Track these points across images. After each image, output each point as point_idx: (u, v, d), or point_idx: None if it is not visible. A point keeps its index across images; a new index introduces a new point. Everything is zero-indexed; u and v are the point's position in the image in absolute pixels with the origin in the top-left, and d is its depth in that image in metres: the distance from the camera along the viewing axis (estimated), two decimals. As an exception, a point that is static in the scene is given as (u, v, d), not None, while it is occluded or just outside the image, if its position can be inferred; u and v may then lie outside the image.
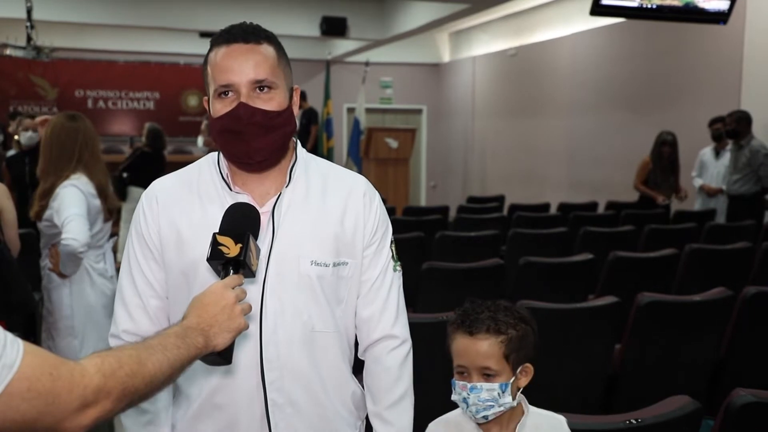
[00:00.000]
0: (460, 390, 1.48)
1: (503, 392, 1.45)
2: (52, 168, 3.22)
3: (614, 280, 3.86)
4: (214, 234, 1.29)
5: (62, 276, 3.26)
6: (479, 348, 1.47)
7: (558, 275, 3.84)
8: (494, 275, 3.68)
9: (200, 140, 9.13)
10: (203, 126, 7.28)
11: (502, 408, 1.46)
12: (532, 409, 1.54)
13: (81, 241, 3.04)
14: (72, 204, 3.10)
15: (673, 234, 5.21)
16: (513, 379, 1.47)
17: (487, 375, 1.46)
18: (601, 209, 7.28)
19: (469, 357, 1.48)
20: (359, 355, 1.58)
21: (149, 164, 7.17)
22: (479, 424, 1.51)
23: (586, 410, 2.55)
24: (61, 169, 3.20)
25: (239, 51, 1.40)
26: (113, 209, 3.37)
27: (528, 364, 1.51)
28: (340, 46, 11.71)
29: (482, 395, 1.45)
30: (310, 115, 10.25)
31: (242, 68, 1.39)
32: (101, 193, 3.25)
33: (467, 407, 1.47)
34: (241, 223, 1.33)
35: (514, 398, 1.47)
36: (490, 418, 1.48)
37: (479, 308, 1.52)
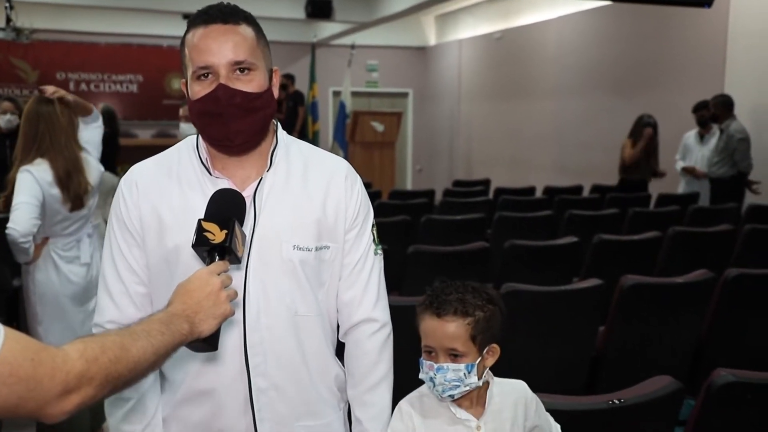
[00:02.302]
0: (427, 369, 1.49)
1: (469, 373, 1.47)
2: (20, 156, 3.14)
3: (598, 263, 3.89)
4: (199, 220, 1.27)
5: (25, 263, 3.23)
6: (446, 330, 1.48)
7: (543, 258, 3.87)
8: (480, 258, 3.70)
9: (183, 126, 8.99)
10: (181, 111, 7.14)
11: (467, 388, 1.48)
12: (497, 379, 1.57)
13: (20, 230, 2.95)
14: (21, 191, 3.01)
15: (656, 217, 5.25)
16: (479, 359, 1.49)
17: (454, 356, 1.48)
18: (585, 193, 7.32)
19: (437, 338, 1.49)
20: (340, 338, 1.58)
21: (108, 147, 7.04)
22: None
23: (570, 391, 2.57)
24: (25, 155, 3.12)
25: (218, 32, 1.37)
26: (80, 198, 3.20)
27: (494, 345, 1.52)
28: (326, 29, 11.62)
29: (448, 375, 1.47)
30: (296, 97, 10.21)
31: (221, 49, 1.36)
32: (60, 182, 3.11)
33: (434, 386, 1.49)
34: (226, 209, 1.32)
35: (480, 378, 1.49)
36: (456, 397, 1.50)
37: (448, 289, 1.52)
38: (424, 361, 1.50)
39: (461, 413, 1.52)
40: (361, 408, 1.54)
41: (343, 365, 1.59)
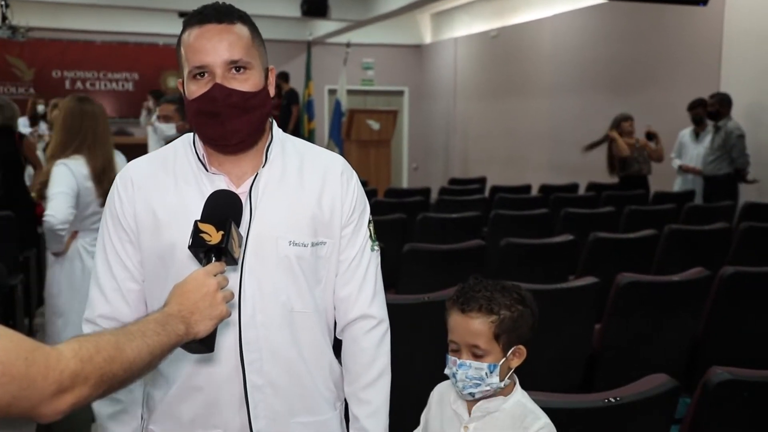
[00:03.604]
0: (451, 365, 1.49)
1: (491, 372, 1.46)
2: (58, 150, 3.29)
3: (594, 261, 3.89)
4: (196, 221, 1.27)
5: (54, 254, 3.34)
6: (469, 326, 1.48)
7: (539, 256, 3.87)
8: (476, 257, 3.70)
9: (161, 126, 8.83)
10: (158, 111, 6.97)
11: (488, 388, 1.47)
12: (521, 396, 1.53)
13: (59, 218, 3.09)
14: (57, 182, 3.16)
15: (652, 215, 5.25)
16: (503, 360, 1.48)
17: (476, 353, 1.47)
18: (581, 191, 7.32)
19: (460, 333, 1.49)
20: (337, 335, 1.57)
21: None
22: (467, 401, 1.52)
23: (566, 389, 2.58)
24: (64, 150, 3.27)
25: (213, 31, 1.38)
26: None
27: (521, 346, 1.51)
28: (322, 27, 11.61)
29: (470, 372, 1.46)
30: (290, 96, 10.20)
31: (216, 49, 1.37)
32: (96, 176, 3.26)
33: (455, 382, 1.49)
34: (222, 210, 1.32)
35: (502, 379, 1.48)
36: (476, 396, 1.49)
37: (477, 286, 1.52)
38: (449, 356, 1.51)
39: (459, 406, 1.52)
40: (358, 405, 1.54)
41: (340, 362, 1.58)
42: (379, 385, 1.54)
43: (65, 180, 3.17)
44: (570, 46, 9.15)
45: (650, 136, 6.94)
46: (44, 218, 3.15)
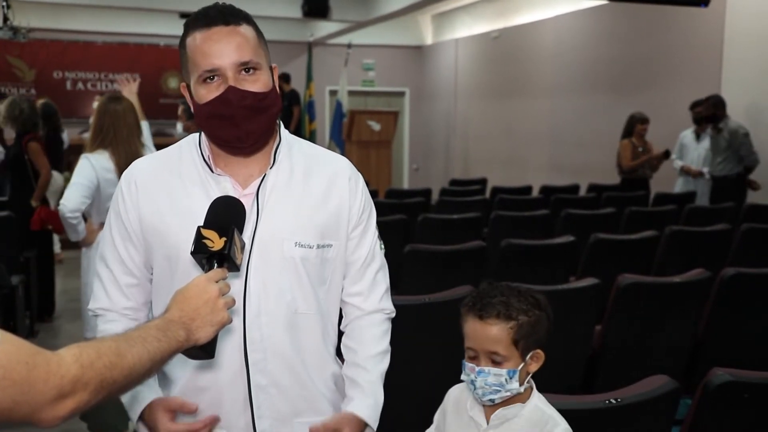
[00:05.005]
0: (468, 372, 1.47)
1: (510, 378, 1.45)
2: (88, 144, 3.53)
3: (595, 262, 3.89)
4: (199, 227, 1.27)
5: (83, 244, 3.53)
6: (488, 332, 1.46)
7: (539, 257, 3.87)
8: (476, 257, 3.70)
9: (179, 126, 8.95)
10: (180, 111, 7.12)
11: (508, 393, 1.46)
12: (538, 401, 1.51)
13: (69, 206, 3.29)
14: (76, 174, 3.39)
15: (653, 216, 5.25)
16: (522, 365, 1.46)
17: (495, 360, 1.45)
18: (582, 192, 7.32)
19: (478, 340, 1.47)
20: (342, 328, 1.58)
21: (50, 145, 6.53)
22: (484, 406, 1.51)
23: (567, 390, 2.58)
24: (92, 145, 3.50)
25: (221, 34, 1.37)
26: None
27: (539, 350, 1.49)
28: (322, 28, 11.61)
29: (489, 379, 1.45)
30: (291, 96, 10.21)
31: (225, 51, 1.36)
32: (120, 170, 3.38)
33: (474, 389, 1.47)
34: (225, 216, 1.32)
35: (521, 384, 1.47)
36: (496, 402, 1.47)
37: (493, 291, 1.50)
38: (466, 363, 1.49)
39: (476, 413, 1.51)
40: (357, 371, 1.52)
41: (342, 361, 1.58)
42: (381, 362, 1.54)
43: (83, 172, 3.37)
44: (571, 47, 9.15)
45: (665, 154, 6.91)
46: (59, 206, 3.39)
